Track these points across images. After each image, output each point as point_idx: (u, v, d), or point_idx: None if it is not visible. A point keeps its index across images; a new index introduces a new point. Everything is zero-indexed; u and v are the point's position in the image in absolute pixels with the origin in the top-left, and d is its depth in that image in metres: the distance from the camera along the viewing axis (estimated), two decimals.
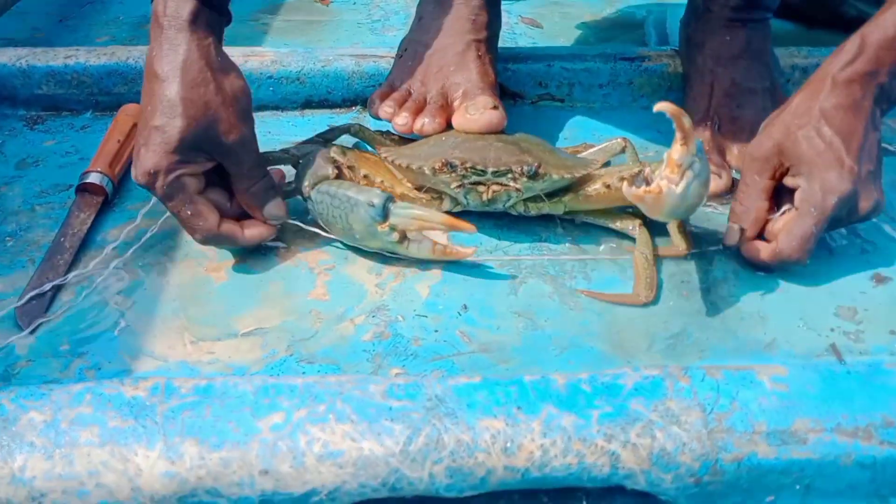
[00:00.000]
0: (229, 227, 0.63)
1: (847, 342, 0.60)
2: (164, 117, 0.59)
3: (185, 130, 0.59)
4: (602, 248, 0.69)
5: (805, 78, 0.90)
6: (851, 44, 0.63)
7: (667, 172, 0.56)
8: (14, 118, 0.88)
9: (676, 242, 0.66)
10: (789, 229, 0.62)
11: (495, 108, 0.71)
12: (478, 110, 0.71)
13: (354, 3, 1.25)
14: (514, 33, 1.15)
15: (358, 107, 0.91)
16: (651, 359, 0.58)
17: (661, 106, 0.53)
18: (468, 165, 0.65)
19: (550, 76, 0.91)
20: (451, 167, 0.65)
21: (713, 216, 0.74)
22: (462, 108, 0.72)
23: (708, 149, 0.79)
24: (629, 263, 0.67)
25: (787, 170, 0.64)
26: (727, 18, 0.80)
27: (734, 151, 0.80)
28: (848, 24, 1.17)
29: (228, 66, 0.62)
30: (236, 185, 0.64)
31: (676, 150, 0.55)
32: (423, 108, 0.74)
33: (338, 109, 0.91)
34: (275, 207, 0.65)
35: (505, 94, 0.92)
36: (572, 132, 0.89)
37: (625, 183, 0.58)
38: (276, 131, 0.87)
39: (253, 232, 0.64)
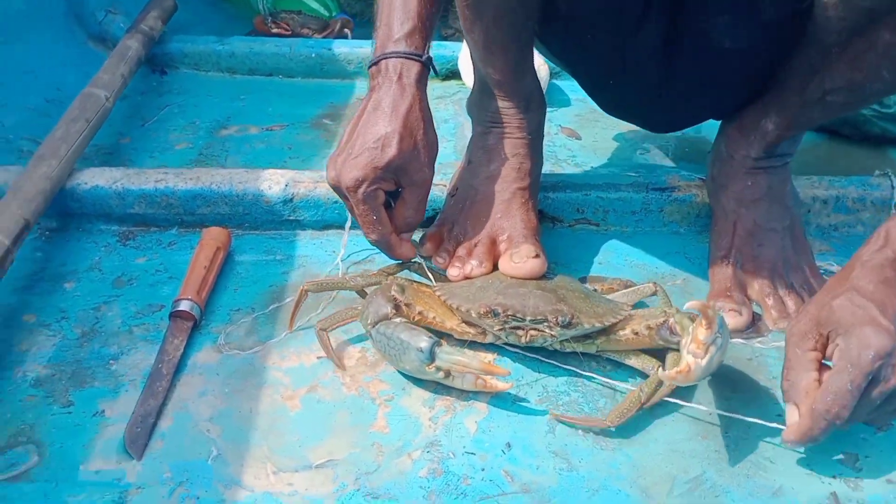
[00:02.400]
0: (395, 238, 0.81)
1: (846, 490, 0.67)
2: (381, 142, 0.76)
3: (394, 158, 0.76)
4: (630, 383, 0.78)
5: (825, 208, 0.99)
6: (877, 236, 0.68)
7: (693, 348, 0.65)
8: (108, 234, 0.99)
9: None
10: (825, 386, 0.63)
11: (537, 256, 0.81)
12: (521, 258, 0.80)
13: None
14: (555, 145, 1.24)
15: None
16: (672, 503, 0.66)
17: (692, 305, 0.63)
18: (509, 313, 0.74)
19: (587, 203, 1.01)
20: (494, 314, 0.75)
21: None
22: (507, 254, 0.82)
23: (730, 285, 0.87)
24: (656, 406, 0.74)
25: (828, 338, 0.65)
26: (749, 166, 0.89)
27: (755, 287, 0.87)
28: (872, 140, 1.25)
29: (430, 121, 0.80)
30: (404, 208, 0.81)
31: (702, 332, 0.64)
32: (471, 252, 0.84)
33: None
34: (411, 234, 0.84)
35: (545, 218, 1.01)
36: (606, 255, 0.98)
37: (660, 369, 0.69)
38: (339, 249, 0.96)
39: (404, 249, 0.82)
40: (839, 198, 1.01)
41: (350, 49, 1.46)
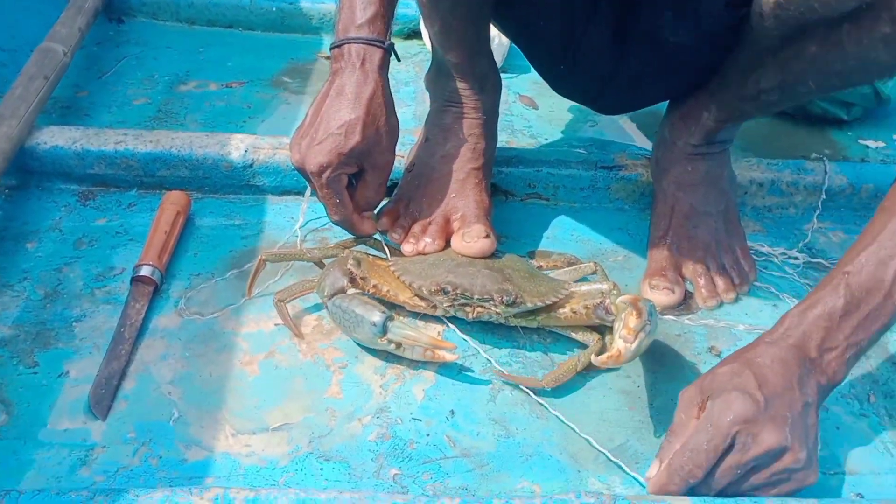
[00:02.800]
0: (357, 217, 0.85)
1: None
2: (344, 129, 0.78)
3: (357, 144, 0.79)
4: (568, 356, 0.84)
5: (761, 190, 1.06)
6: (780, 323, 0.69)
7: (624, 334, 0.71)
8: (68, 193, 1.01)
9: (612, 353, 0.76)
10: (685, 443, 0.64)
11: (487, 236, 0.86)
12: (472, 238, 0.85)
13: None
14: (512, 114, 1.28)
15: None
16: (596, 468, 0.73)
17: (624, 300, 0.72)
18: (458, 291, 0.79)
19: (538, 179, 1.05)
20: (445, 292, 0.79)
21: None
22: (460, 233, 0.86)
23: (665, 265, 0.93)
24: (591, 372, 0.81)
25: (707, 402, 0.66)
26: (689, 152, 0.94)
27: (689, 267, 0.94)
28: (814, 120, 1.31)
29: (392, 107, 0.83)
30: (365, 189, 0.84)
31: (632, 320, 0.71)
32: (425, 229, 0.88)
33: None
34: (371, 213, 0.88)
35: (498, 191, 1.05)
36: (554, 230, 1.03)
37: (592, 356, 0.75)
38: (298, 215, 0.99)
39: (365, 226, 0.86)
40: (774, 181, 1.07)
41: (312, 4, 1.46)
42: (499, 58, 1.34)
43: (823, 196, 1.08)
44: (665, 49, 0.85)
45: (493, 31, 1.32)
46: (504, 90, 1.31)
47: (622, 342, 0.72)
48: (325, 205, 0.83)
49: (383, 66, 0.81)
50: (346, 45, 0.80)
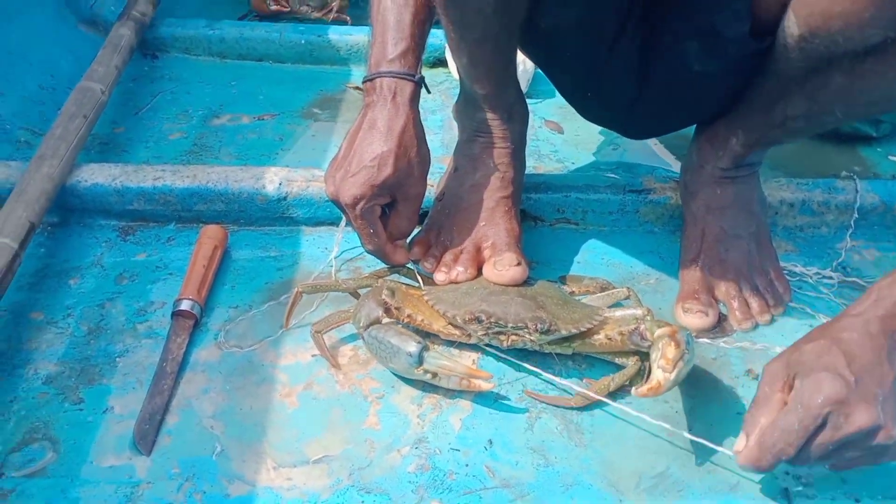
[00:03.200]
0: (390, 247, 0.86)
1: (798, 485, 0.74)
2: (377, 161, 0.80)
3: (390, 176, 0.81)
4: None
5: (792, 210, 1.05)
6: (866, 296, 0.69)
7: (662, 364, 0.72)
8: (108, 229, 1.03)
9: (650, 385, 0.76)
10: (775, 421, 0.65)
11: (518, 264, 0.86)
12: (504, 266, 0.86)
13: None
14: (538, 139, 1.29)
15: None
16: (638, 496, 0.72)
17: (662, 332, 0.74)
18: (492, 320, 0.80)
19: (567, 204, 1.06)
20: (479, 321, 0.80)
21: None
22: (491, 261, 0.87)
23: (698, 288, 0.93)
24: (627, 399, 0.81)
25: (794, 379, 0.66)
26: (717, 175, 0.94)
27: (722, 289, 0.93)
28: (843, 138, 1.31)
29: (423, 139, 0.85)
30: (398, 219, 0.86)
31: (671, 351, 0.71)
32: (457, 258, 0.89)
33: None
34: (404, 241, 0.90)
35: (527, 217, 1.06)
36: (585, 254, 1.04)
37: (633, 389, 0.75)
38: (332, 245, 1.00)
39: (398, 255, 0.88)
40: (805, 201, 1.06)
41: (340, 36, 1.49)
42: (524, 83, 1.35)
43: (856, 214, 1.07)
44: (690, 77, 0.86)
45: (519, 57, 1.33)
46: (530, 115, 1.34)
47: (661, 372, 0.72)
48: (360, 235, 0.85)
49: (414, 99, 0.83)
50: (377, 79, 0.82)
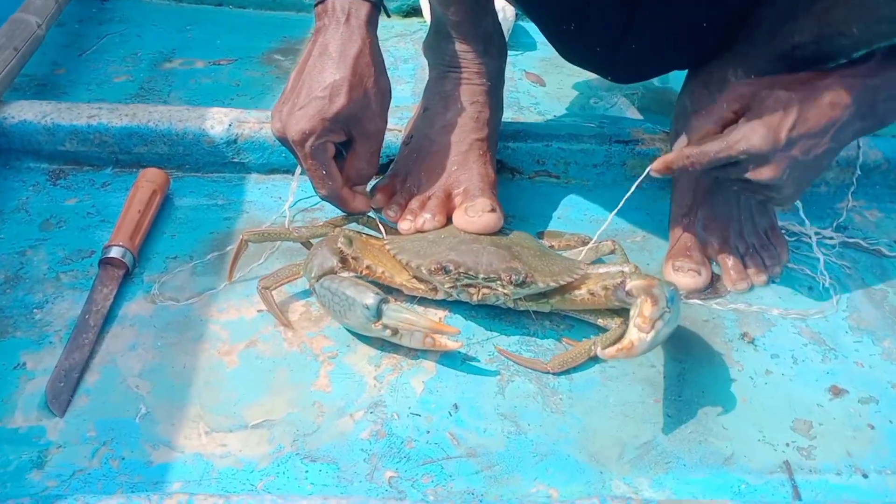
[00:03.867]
0: (347, 192, 0.76)
1: (800, 458, 0.66)
2: (328, 91, 0.70)
3: (343, 108, 0.70)
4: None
5: None
6: (863, 57, 0.68)
7: (639, 322, 0.62)
8: (38, 171, 0.92)
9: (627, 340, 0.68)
10: (702, 143, 0.69)
11: (493, 210, 0.77)
12: (476, 212, 0.76)
13: None
14: (518, 90, 1.20)
15: None
16: (621, 469, 0.64)
17: (634, 285, 0.65)
18: (461, 270, 0.71)
19: (548, 154, 0.97)
20: (446, 271, 0.71)
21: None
22: (462, 208, 0.78)
23: (689, 245, 0.84)
24: (610, 361, 0.72)
25: (745, 112, 0.69)
26: None
27: (715, 246, 0.85)
28: None
29: (382, 67, 0.74)
30: (356, 160, 0.75)
31: (647, 307, 0.61)
32: (424, 205, 0.79)
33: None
34: (364, 186, 0.79)
35: (504, 168, 0.97)
36: (566, 209, 0.95)
37: (598, 347, 0.66)
38: (285, 194, 0.91)
39: (357, 202, 0.77)
40: None
41: None
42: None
43: (858, 172, 0.99)
44: (683, 3, 0.77)
45: (498, 5, 1.24)
46: (510, 67, 1.24)
47: (636, 332, 0.63)
48: (311, 177, 0.74)
49: (371, 22, 0.73)
50: (328, 0, 0.72)
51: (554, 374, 0.71)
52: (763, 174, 0.67)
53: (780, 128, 0.66)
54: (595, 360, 0.72)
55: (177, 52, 1.22)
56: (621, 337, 0.67)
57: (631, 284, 0.68)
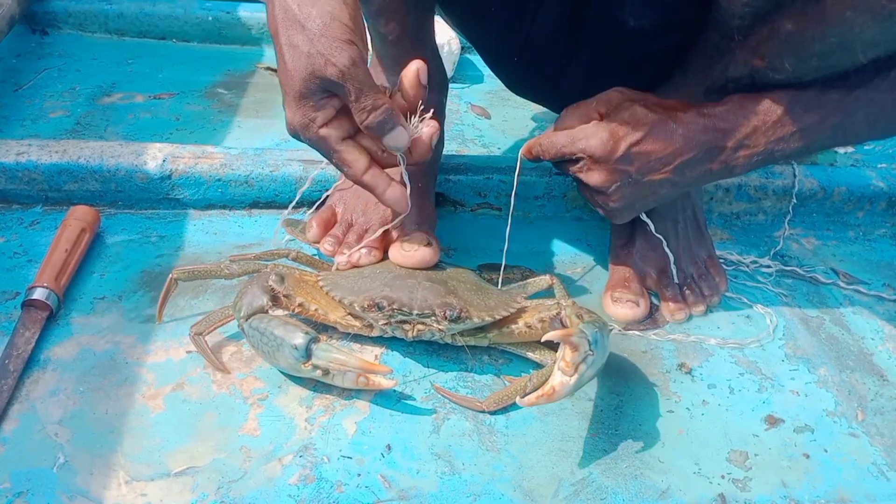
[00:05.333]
0: (372, 177, 0.66)
1: (735, 490, 0.66)
2: (283, 73, 0.62)
3: (298, 80, 0.60)
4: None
5: (728, 196, 0.98)
6: (723, 101, 0.70)
7: (562, 365, 0.62)
8: None
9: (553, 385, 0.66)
10: (554, 134, 0.73)
11: (428, 244, 0.76)
12: (412, 247, 0.75)
13: None
14: (463, 123, 1.20)
15: (304, 208, 0.94)
16: None
17: (552, 335, 0.63)
18: (394, 307, 0.69)
19: (489, 187, 0.96)
20: (379, 308, 0.70)
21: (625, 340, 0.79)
22: (398, 242, 0.76)
23: (628, 276, 0.84)
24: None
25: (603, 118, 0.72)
26: None
27: (654, 277, 0.85)
28: None
29: (355, 8, 0.61)
30: (357, 120, 0.63)
31: (569, 353, 0.61)
32: (361, 238, 0.78)
33: (285, 210, 0.94)
34: (393, 138, 0.63)
35: (446, 201, 0.97)
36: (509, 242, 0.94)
37: (524, 396, 0.64)
38: (223, 231, 0.90)
39: (391, 194, 0.66)
40: (741, 185, 0.99)
41: (251, 13, 1.38)
42: (449, 67, 1.26)
43: (794, 200, 1.00)
44: (624, 35, 0.77)
45: (444, 38, 1.25)
46: (456, 99, 1.25)
47: (560, 375, 0.63)
48: (341, 168, 0.66)
49: None
50: None
51: (486, 411, 0.70)
52: (592, 178, 0.71)
53: (622, 139, 0.69)
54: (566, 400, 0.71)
55: (116, 87, 1.20)
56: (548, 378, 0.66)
57: (572, 318, 0.68)
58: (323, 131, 0.64)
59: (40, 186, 0.90)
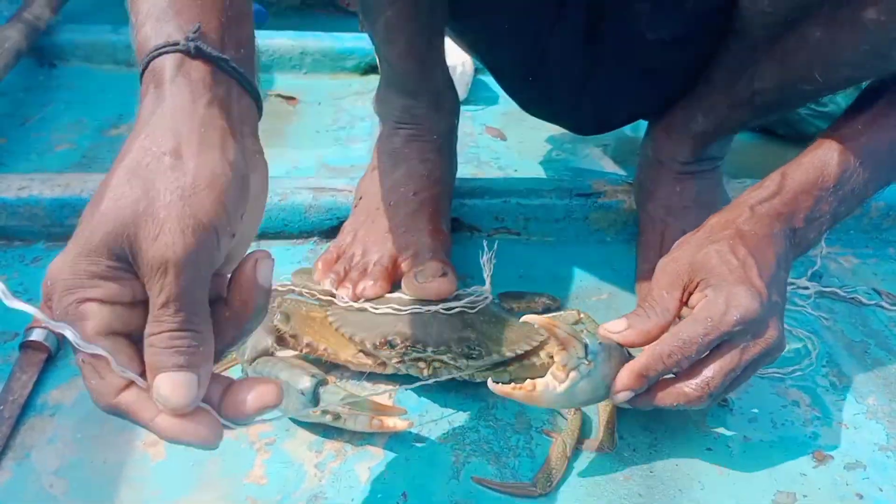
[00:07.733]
0: (129, 400, 0.40)
1: None
2: (91, 205, 0.40)
3: (101, 226, 0.39)
4: (546, 418, 0.69)
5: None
6: (771, 181, 0.63)
7: (554, 369, 0.57)
8: None
9: (603, 438, 0.66)
10: (676, 331, 0.56)
11: (444, 274, 0.71)
12: (426, 277, 0.71)
13: (320, 104, 1.26)
14: (478, 145, 1.16)
15: (315, 238, 0.91)
16: None
17: (529, 318, 0.56)
18: (408, 344, 0.65)
19: (507, 211, 0.92)
20: (391, 345, 0.65)
21: None
22: (412, 273, 0.72)
23: None
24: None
25: (697, 286, 0.59)
26: (677, 171, 0.81)
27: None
28: (808, 139, 1.20)
29: (212, 141, 0.40)
30: (147, 326, 0.39)
31: (558, 353, 0.56)
32: (366, 271, 0.73)
33: (294, 241, 0.91)
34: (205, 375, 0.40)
35: (462, 226, 0.92)
36: (527, 267, 0.90)
37: (489, 380, 0.59)
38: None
39: (164, 425, 0.41)
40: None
41: (261, 40, 1.35)
42: (462, 89, 1.23)
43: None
44: (643, 48, 0.73)
45: (456, 60, 1.21)
46: (470, 122, 1.21)
47: (550, 378, 0.57)
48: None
49: (179, 76, 0.42)
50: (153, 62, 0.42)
51: (544, 495, 0.62)
52: (770, 337, 0.57)
53: (752, 280, 0.57)
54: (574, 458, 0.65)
55: (124, 119, 1.18)
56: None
57: (529, 317, 0.60)
58: (89, 306, 0.41)
59: (42, 222, 0.87)
